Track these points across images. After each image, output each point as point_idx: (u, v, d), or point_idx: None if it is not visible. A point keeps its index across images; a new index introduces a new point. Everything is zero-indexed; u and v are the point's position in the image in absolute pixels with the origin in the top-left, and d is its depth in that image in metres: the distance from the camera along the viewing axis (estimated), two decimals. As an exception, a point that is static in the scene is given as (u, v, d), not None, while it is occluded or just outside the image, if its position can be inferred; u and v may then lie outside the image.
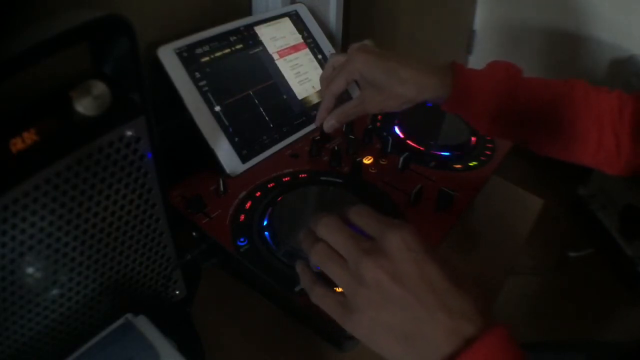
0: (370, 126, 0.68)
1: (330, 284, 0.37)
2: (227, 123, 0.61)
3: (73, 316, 0.39)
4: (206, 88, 0.61)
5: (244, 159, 0.61)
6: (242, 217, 0.53)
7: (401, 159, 0.62)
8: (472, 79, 0.54)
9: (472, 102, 0.55)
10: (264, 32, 0.70)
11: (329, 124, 0.58)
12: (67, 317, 0.38)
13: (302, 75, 0.71)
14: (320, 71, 0.73)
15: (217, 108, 0.61)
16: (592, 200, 1.55)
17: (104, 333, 0.39)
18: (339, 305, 0.36)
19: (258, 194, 0.57)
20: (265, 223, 0.53)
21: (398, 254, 0.33)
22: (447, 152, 0.67)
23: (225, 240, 0.51)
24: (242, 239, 0.51)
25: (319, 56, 0.75)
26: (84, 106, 0.32)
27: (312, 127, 0.69)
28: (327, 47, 0.76)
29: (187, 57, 0.60)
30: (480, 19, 1.67)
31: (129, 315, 0.40)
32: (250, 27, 0.68)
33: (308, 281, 0.39)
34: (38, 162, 0.31)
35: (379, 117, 0.73)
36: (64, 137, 0.31)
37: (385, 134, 0.69)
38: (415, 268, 0.33)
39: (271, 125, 0.65)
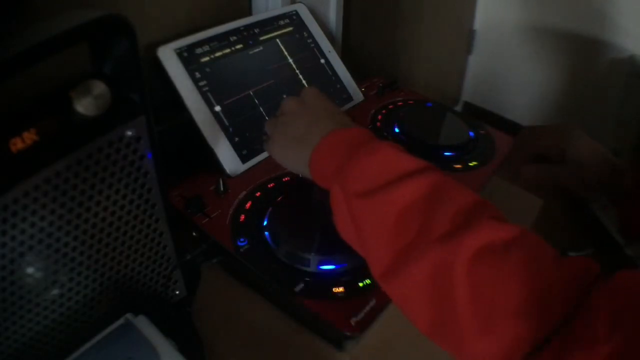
0: (370, 126, 0.68)
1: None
2: (227, 123, 0.61)
3: (73, 316, 0.39)
4: (206, 88, 0.61)
5: (244, 159, 0.61)
6: (242, 217, 0.53)
7: (401, 159, 0.62)
8: None
9: None
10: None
11: (530, 175, 0.61)
12: (67, 317, 0.38)
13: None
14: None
15: (217, 108, 0.61)
16: (592, 200, 1.54)
17: (104, 333, 0.39)
18: (266, 141, 0.50)
19: (258, 194, 0.57)
20: (265, 223, 0.53)
21: (304, 94, 0.49)
22: (447, 152, 0.67)
23: (225, 240, 0.51)
24: (242, 239, 0.51)
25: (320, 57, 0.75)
26: (84, 106, 0.32)
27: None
28: (327, 47, 0.76)
29: (187, 57, 0.60)
30: (480, 19, 1.67)
31: (129, 315, 0.40)
32: (250, 27, 0.69)
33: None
34: (38, 162, 0.31)
35: (379, 117, 0.73)
36: (64, 137, 0.31)
37: (385, 134, 0.69)
38: (314, 98, 0.48)
39: (271, 125, 0.65)
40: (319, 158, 0.43)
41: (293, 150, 0.46)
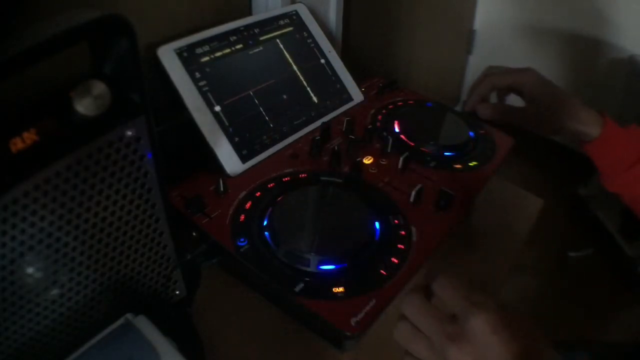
0: (370, 126, 0.68)
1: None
2: (227, 123, 0.61)
3: (73, 316, 0.39)
4: (206, 88, 0.61)
5: (244, 159, 0.61)
6: (242, 217, 0.53)
7: (401, 159, 0.62)
8: (619, 133, 0.59)
9: (614, 153, 0.59)
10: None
11: (486, 111, 0.63)
12: (67, 317, 0.38)
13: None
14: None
15: (217, 108, 0.61)
16: (592, 200, 1.54)
17: (104, 333, 0.39)
18: None
19: (258, 194, 0.57)
20: (265, 223, 0.53)
21: (482, 339, 0.33)
22: (447, 152, 0.67)
23: (225, 240, 0.51)
24: (242, 239, 0.51)
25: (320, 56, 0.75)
26: (84, 106, 0.32)
27: (312, 127, 0.69)
28: (327, 47, 0.76)
29: (187, 57, 0.60)
30: (480, 19, 1.67)
31: (129, 315, 0.40)
32: (250, 27, 0.69)
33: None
34: (38, 162, 0.31)
35: (379, 117, 0.73)
36: (64, 137, 0.31)
37: (385, 134, 0.69)
38: (501, 351, 0.33)
39: (271, 125, 0.65)
40: None
41: None
